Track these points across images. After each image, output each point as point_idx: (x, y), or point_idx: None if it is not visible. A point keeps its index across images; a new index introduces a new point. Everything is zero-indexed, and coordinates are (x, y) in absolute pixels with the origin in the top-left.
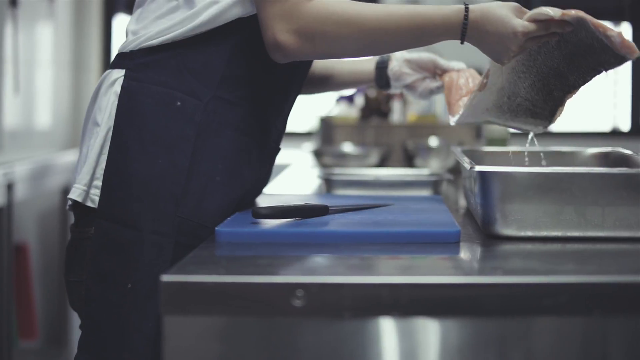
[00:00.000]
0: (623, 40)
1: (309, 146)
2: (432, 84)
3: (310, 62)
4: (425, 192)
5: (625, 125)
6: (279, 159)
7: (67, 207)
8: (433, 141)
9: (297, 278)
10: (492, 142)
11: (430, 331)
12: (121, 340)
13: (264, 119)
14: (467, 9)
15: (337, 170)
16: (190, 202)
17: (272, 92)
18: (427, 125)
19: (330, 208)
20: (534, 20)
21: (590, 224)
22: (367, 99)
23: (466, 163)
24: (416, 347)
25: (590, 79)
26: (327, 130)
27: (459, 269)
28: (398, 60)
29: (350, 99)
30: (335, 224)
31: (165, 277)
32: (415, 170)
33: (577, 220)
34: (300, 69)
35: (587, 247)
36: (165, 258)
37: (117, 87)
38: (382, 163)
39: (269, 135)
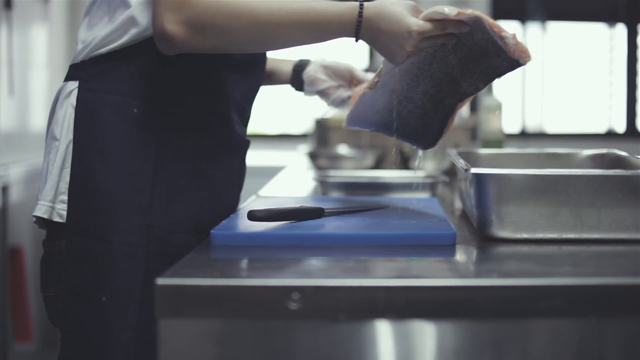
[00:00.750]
0: (517, 43)
1: (304, 148)
2: (345, 93)
3: (265, 54)
4: (421, 195)
5: (621, 127)
6: (275, 161)
7: (33, 222)
8: None
9: (293, 281)
10: (487, 144)
11: (426, 334)
12: (100, 354)
13: (224, 115)
14: (361, 6)
15: (332, 173)
16: (158, 209)
17: (230, 87)
18: None
19: (325, 210)
20: (429, 20)
21: (586, 226)
22: None
23: (462, 165)
24: (412, 349)
25: (483, 87)
26: (323, 132)
27: (455, 271)
28: (315, 64)
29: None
30: (331, 226)
31: (161, 281)
32: (410, 172)
33: (573, 222)
34: (258, 62)
35: (583, 249)
36: (138, 268)
37: (73, 99)
38: (378, 165)
39: (231, 131)
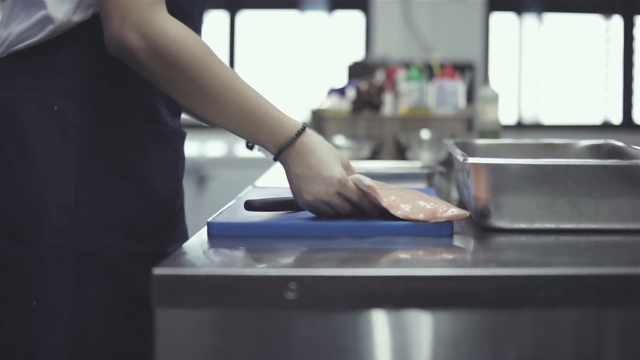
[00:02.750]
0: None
1: None
2: None
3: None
4: (418, 185)
5: (616, 118)
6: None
7: None
8: (425, 134)
9: (290, 271)
10: (484, 134)
11: (424, 324)
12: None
13: (151, 108)
14: (304, 128)
15: None
16: (85, 208)
17: None
18: (418, 118)
19: None
20: (354, 182)
21: (583, 216)
22: (359, 92)
23: (459, 155)
24: (409, 339)
25: None
26: (319, 122)
27: (453, 261)
28: None
29: (341, 91)
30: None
31: (157, 270)
32: (407, 162)
33: (571, 212)
34: None
35: (581, 239)
36: (68, 271)
37: None
38: (374, 156)
39: (160, 124)
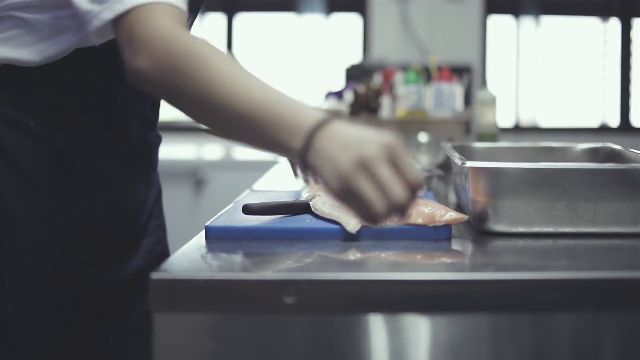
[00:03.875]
0: None
1: None
2: None
3: None
4: None
5: (613, 121)
6: (268, 155)
7: None
8: (422, 137)
9: (289, 275)
10: (481, 137)
11: (422, 328)
12: None
13: (121, 128)
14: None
15: None
16: (57, 218)
17: (126, 103)
18: (416, 121)
19: None
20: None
21: (581, 220)
22: (357, 95)
23: (457, 159)
24: (408, 343)
25: None
26: None
27: (451, 265)
28: None
29: (339, 94)
30: (327, 220)
31: (155, 275)
32: None
33: (569, 216)
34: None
35: (579, 242)
36: (44, 278)
37: None
38: None
39: (129, 139)
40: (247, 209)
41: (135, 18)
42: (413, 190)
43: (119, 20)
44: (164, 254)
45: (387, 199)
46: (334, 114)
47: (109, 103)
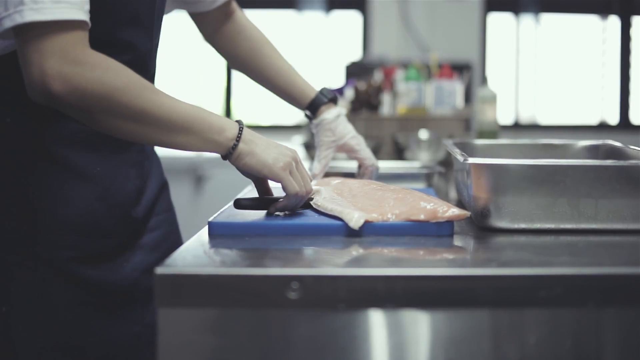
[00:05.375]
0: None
1: (298, 139)
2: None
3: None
4: (417, 185)
5: (613, 119)
6: None
7: None
8: (423, 134)
9: (292, 270)
10: (482, 134)
11: (425, 323)
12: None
13: None
14: (241, 127)
15: None
16: (45, 214)
17: None
18: (417, 118)
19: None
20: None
21: (583, 216)
22: (357, 92)
23: (459, 156)
24: (410, 339)
25: None
26: None
27: (453, 261)
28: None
29: (340, 91)
30: (330, 216)
31: (160, 270)
32: (406, 163)
33: (571, 212)
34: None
35: (581, 239)
36: (34, 275)
37: None
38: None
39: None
40: (239, 204)
41: (38, 33)
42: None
43: (20, 30)
44: (174, 249)
45: (305, 187)
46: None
47: None
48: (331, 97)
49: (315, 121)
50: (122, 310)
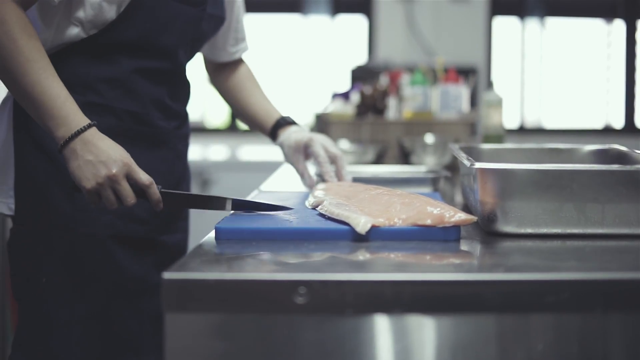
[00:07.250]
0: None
1: None
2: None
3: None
4: (423, 189)
5: (618, 123)
6: (275, 156)
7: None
8: (429, 138)
9: (299, 275)
10: (488, 138)
11: (431, 328)
12: (49, 335)
13: (140, 114)
14: (90, 125)
15: (333, 167)
16: (83, 196)
17: (142, 91)
18: (422, 122)
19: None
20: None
21: (590, 221)
22: (363, 96)
23: (466, 160)
24: (417, 344)
25: None
26: (323, 126)
27: (460, 266)
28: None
29: (345, 95)
30: (337, 221)
31: (167, 275)
32: (412, 167)
33: (577, 217)
34: (177, 70)
35: (587, 244)
36: (72, 249)
37: (8, 104)
38: (378, 160)
39: (151, 126)
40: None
41: None
42: (146, 191)
43: None
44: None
45: (120, 204)
46: (91, 124)
47: (124, 92)
48: (290, 121)
49: (276, 142)
50: (139, 301)
